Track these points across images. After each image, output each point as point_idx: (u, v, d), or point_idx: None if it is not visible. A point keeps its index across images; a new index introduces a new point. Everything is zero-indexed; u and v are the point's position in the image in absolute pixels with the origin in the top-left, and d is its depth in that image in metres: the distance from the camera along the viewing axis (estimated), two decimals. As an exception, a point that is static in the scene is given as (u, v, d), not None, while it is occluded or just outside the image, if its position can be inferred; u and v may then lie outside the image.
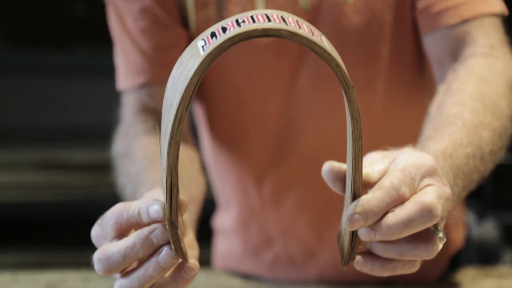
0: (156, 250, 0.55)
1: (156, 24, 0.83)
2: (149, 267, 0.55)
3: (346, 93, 0.52)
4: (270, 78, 0.85)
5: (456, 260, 1.00)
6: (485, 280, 0.94)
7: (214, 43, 0.49)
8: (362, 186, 0.54)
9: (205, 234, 1.11)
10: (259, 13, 0.50)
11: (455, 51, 0.79)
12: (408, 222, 0.52)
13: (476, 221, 1.70)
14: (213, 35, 0.50)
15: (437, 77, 0.82)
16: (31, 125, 2.30)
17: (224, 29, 0.49)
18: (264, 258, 0.95)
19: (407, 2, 0.83)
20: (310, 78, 0.85)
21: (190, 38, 0.84)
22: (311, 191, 0.89)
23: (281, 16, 0.50)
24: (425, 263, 0.95)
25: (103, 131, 2.42)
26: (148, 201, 0.56)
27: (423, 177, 0.55)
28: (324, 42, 0.51)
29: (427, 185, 0.54)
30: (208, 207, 1.04)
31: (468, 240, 1.15)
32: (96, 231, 0.60)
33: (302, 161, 0.88)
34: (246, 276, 0.96)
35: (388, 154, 0.59)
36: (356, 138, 0.53)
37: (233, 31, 0.49)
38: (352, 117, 0.53)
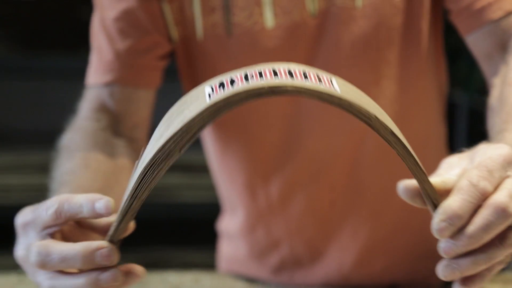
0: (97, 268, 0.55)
1: (135, 27, 0.84)
2: (88, 279, 0.55)
3: (370, 125, 0.52)
4: None
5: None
6: (490, 286, 0.94)
7: (221, 94, 0.49)
8: (437, 195, 0.53)
9: (210, 237, 1.12)
10: (267, 68, 0.51)
11: (504, 43, 0.80)
12: (487, 227, 0.51)
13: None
14: (221, 85, 0.50)
15: (486, 73, 0.83)
16: (38, 127, 2.31)
17: (232, 82, 0.50)
18: (270, 262, 0.95)
19: (416, 8, 0.83)
20: None
21: (178, 50, 0.86)
22: (318, 192, 0.89)
23: (288, 70, 0.50)
24: (431, 269, 0.95)
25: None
26: (94, 196, 0.56)
27: (502, 167, 0.54)
28: (334, 85, 0.51)
29: (506, 177, 0.53)
30: (214, 210, 1.05)
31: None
32: (25, 217, 0.60)
33: (309, 162, 0.88)
34: (251, 280, 0.97)
35: (463, 156, 0.58)
36: (404, 157, 0.52)
37: (241, 86, 0.49)
38: (389, 142, 0.52)
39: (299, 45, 0.84)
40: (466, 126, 2.34)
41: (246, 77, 0.50)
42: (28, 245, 0.58)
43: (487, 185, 0.52)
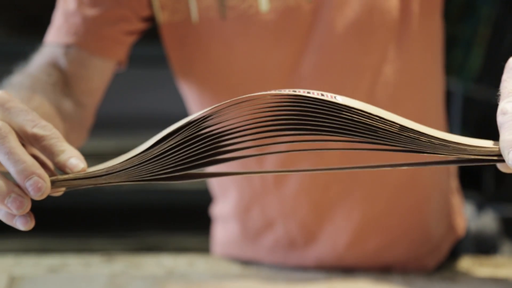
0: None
1: None
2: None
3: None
4: (272, 65, 0.86)
5: (454, 250, 1.01)
6: (481, 269, 0.95)
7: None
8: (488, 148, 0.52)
9: (205, 223, 1.12)
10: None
11: None
12: None
13: (476, 213, 1.71)
14: None
15: None
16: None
17: None
18: (264, 242, 0.96)
19: None
20: (313, 66, 0.85)
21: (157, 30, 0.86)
22: (312, 173, 0.90)
23: (293, 90, 0.52)
24: (424, 251, 0.97)
25: (111, 121, 2.44)
26: (32, 169, 0.53)
27: None
28: (337, 99, 0.52)
29: None
30: (209, 196, 1.06)
31: (467, 231, 1.16)
32: None
33: (303, 144, 0.89)
34: (245, 262, 0.97)
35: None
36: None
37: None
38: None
39: (293, 29, 0.84)
40: (461, 114, 2.35)
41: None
42: None
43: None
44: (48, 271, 0.93)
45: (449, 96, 2.32)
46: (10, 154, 0.53)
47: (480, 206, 1.79)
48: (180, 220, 2.33)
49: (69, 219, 2.25)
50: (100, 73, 0.86)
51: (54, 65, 0.83)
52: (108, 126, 2.26)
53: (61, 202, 2.05)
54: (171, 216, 2.40)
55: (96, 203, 2.43)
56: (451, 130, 2.26)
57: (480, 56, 1.98)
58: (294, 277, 0.90)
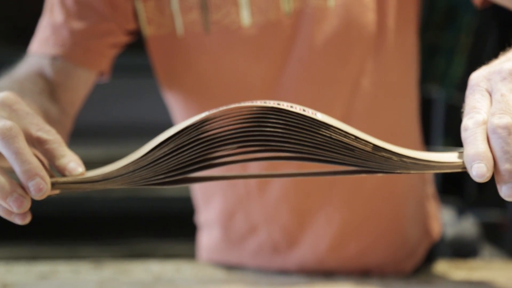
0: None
1: (93, 12, 0.87)
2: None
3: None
4: (255, 77, 0.89)
5: (431, 254, 1.03)
6: (456, 272, 0.97)
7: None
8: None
9: (191, 230, 1.14)
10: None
11: None
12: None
13: (456, 218, 1.74)
14: None
15: None
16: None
17: None
18: (248, 247, 0.98)
19: (383, 5, 0.87)
20: (293, 78, 0.88)
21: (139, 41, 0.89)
22: (294, 180, 0.93)
23: (277, 103, 0.55)
24: (402, 255, 0.99)
25: (105, 128, 2.45)
26: (36, 170, 0.56)
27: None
28: (318, 116, 0.55)
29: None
30: (194, 204, 1.08)
31: (446, 235, 1.19)
32: None
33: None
34: (230, 267, 1.00)
35: None
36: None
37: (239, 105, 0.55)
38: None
39: (274, 43, 0.87)
40: (443, 121, 2.39)
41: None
42: None
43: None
44: (38, 278, 0.94)
45: (431, 104, 2.36)
46: (18, 154, 0.56)
47: (461, 211, 1.82)
48: (168, 228, 2.34)
49: (59, 227, 2.26)
50: (84, 83, 0.89)
51: (40, 75, 0.85)
52: (95, 134, 2.28)
53: (51, 210, 2.07)
54: (159, 224, 2.41)
55: (86, 212, 2.44)
56: (433, 137, 2.30)
57: (462, 64, 2.01)
58: (277, 281, 0.93)
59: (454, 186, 2.46)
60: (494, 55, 0.62)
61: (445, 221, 1.72)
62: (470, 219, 1.76)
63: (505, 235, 2.31)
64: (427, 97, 2.24)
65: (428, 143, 2.00)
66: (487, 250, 2.01)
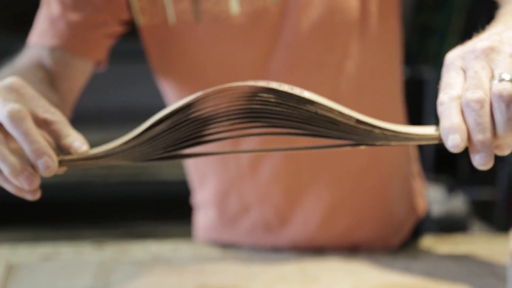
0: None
1: (89, 3, 0.90)
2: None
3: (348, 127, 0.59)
4: (244, 63, 0.92)
5: (417, 230, 1.07)
6: (441, 247, 1.01)
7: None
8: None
9: (189, 212, 1.18)
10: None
11: None
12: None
13: (446, 196, 1.78)
14: None
15: None
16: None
17: None
18: (242, 226, 1.02)
19: None
20: (281, 63, 0.91)
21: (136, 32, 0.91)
22: (284, 161, 0.96)
23: (267, 82, 0.58)
24: (389, 231, 1.03)
25: (104, 114, 2.47)
26: (45, 149, 0.61)
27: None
28: (304, 94, 0.58)
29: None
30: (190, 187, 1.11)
31: (430, 212, 1.22)
32: None
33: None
34: (225, 246, 1.03)
35: None
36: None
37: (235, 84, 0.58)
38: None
39: (262, 31, 0.91)
40: (435, 102, 2.41)
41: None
42: None
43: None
44: (42, 259, 0.96)
45: (424, 84, 2.40)
46: (27, 134, 0.61)
47: (451, 190, 1.86)
48: (165, 210, 2.38)
49: (61, 210, 2.29)
50: (82, 73, 0.92)
51: (40, 65, 0.88)
52: (93, 120, 2.31)
53: (53, 194, 2.11)
54: (157, 206, 2.45)
55: (87, 195, 2.47)
56: (425, 117, 2.34)
57: (455, 44, 2.04)
58: (270, 258, 0.96)
59: (447, 165, 2.49)
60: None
61: (435, 198, 1.75)
62: (460, 197, 1.79)
63: (495, 212, 2.36)
64: (420, 78, 2.26)
65: (420, 123, 2.02)
66: (477, 226, 2.04)
